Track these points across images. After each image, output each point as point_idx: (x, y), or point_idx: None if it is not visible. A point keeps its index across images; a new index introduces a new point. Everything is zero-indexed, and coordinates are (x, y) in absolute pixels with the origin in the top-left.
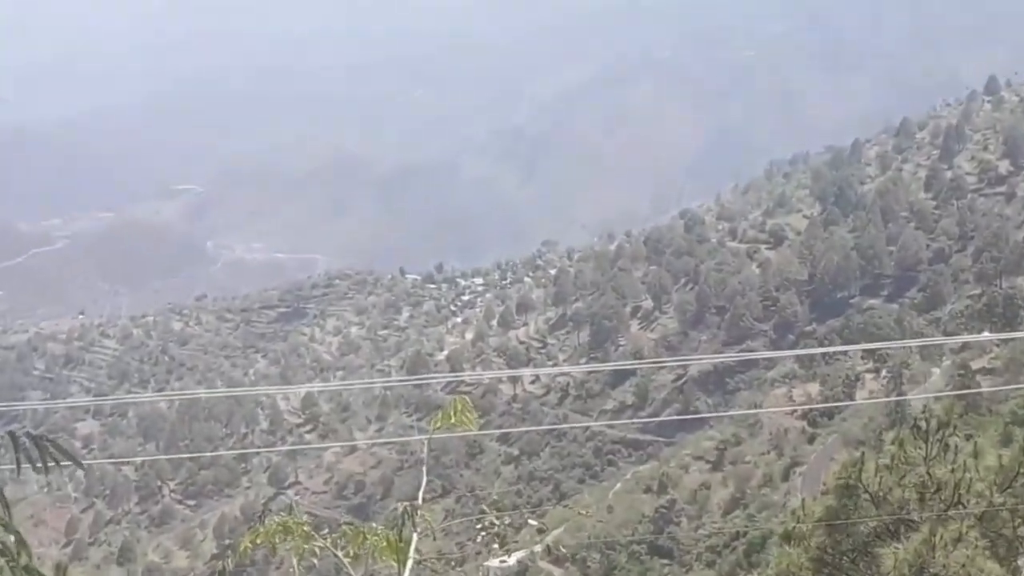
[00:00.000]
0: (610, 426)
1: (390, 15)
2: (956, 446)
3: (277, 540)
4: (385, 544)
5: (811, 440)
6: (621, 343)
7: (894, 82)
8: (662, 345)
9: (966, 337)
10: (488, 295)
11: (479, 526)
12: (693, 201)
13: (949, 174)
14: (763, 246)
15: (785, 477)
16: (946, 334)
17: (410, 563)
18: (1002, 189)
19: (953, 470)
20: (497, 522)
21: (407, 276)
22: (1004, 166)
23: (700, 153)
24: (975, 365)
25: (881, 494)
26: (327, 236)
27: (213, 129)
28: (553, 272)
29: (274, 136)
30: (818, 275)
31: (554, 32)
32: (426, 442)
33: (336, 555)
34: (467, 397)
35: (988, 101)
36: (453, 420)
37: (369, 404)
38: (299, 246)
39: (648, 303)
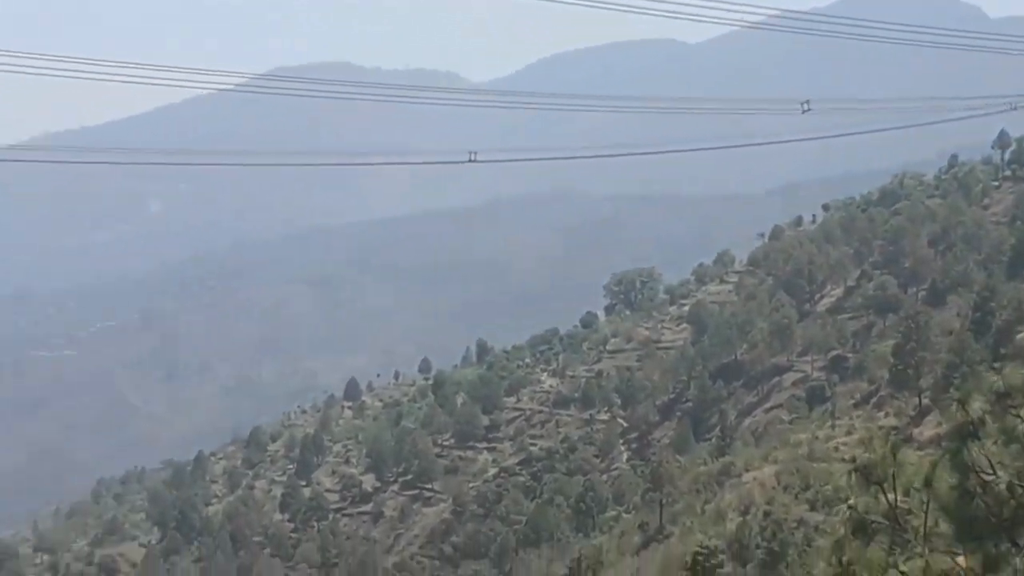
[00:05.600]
0: None
1: None
2: None
3: None
4: None
5: None
6: None
7: (243, 388)
8: None
9: None
10: None
11: None
12: (4, 530)
13: (308, 491)
14: None
15: None
16: None
17: None
18: (368, 508)
19: None
20: None
21: None
22: (370, 481)
23: (12, 472)
24: None
25: None
26: None
27: None
28: None
29: None
30: None
31: None
32: None
33: None
34: None
35: (348, 407)
36: None
37: None
38: None
39: None
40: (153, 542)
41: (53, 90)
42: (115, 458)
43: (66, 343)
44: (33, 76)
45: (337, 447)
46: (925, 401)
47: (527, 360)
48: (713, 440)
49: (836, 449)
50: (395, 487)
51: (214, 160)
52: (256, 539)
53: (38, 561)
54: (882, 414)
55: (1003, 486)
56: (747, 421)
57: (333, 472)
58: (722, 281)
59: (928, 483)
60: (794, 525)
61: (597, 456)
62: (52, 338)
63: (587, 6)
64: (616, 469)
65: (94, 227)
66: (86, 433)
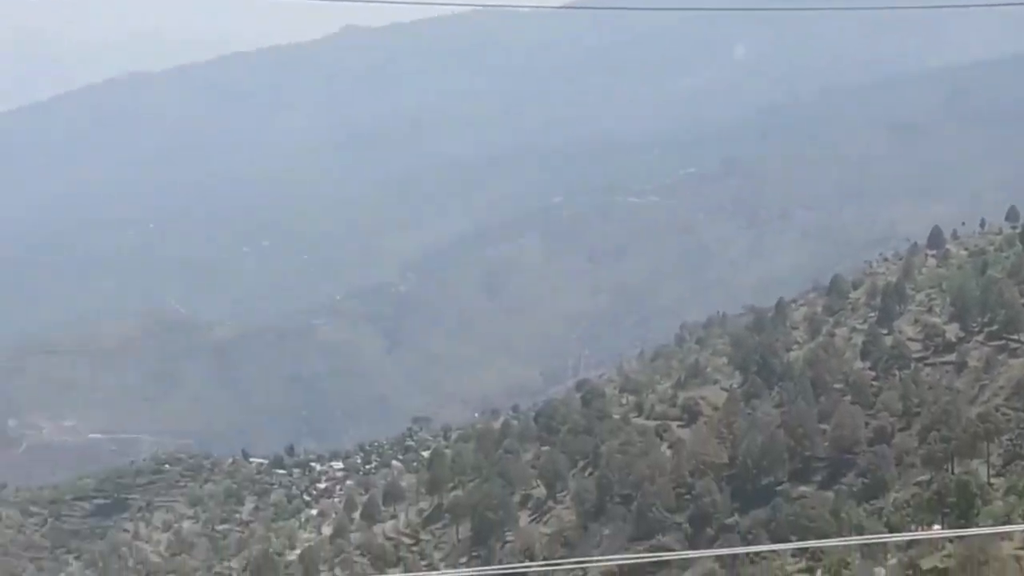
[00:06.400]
0: None
1: (220, 158)
2: None
3: None
4: None
5: None
6: (508, 539)
7: (823, 235)
8: (557, 541)
9: (914, 534)
10: (349, 482)
11: None
12: (592, 371)
13: (889, 340)
14: (675, 423)
15: None
16: (890, 527)
17: None
18: (951, 358)
19: None
20: None
21: (251, 460)
22: (952, 331)
23: (599, 316)
24: (925, 564)
25: None
26: (153, 413)
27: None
28: (426, 454)
29: (83, 299)
30: (740, 458)
31: (420, 181)
32: None
33: None
34: None
35: (932, 256)
36: None
37: None
38: (119, 425)
39: (540, 491)
40: (735, 386)
41: None
42: (696, 302)
43: (650, 189)
44: None
45: (920, 296)
46: None
47: None
48: None
49: None
50: (980, 337)
51: (798, 5)
52: (836, 386)
53: (623, 402)
54: None
55: None
56: None
57: (915, 321)
58: None
59: None
60: None
61: None
62: (637, 184)
63: None
64: None
65: (679, 74)
66: (668, 277)
